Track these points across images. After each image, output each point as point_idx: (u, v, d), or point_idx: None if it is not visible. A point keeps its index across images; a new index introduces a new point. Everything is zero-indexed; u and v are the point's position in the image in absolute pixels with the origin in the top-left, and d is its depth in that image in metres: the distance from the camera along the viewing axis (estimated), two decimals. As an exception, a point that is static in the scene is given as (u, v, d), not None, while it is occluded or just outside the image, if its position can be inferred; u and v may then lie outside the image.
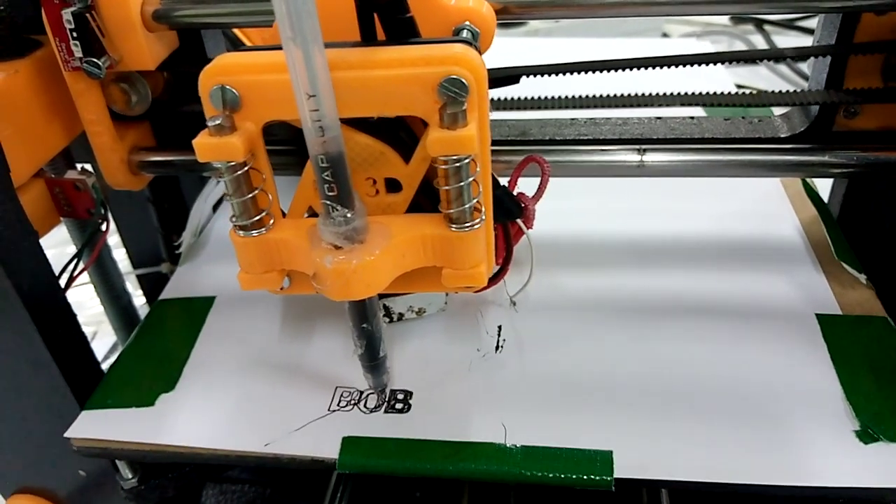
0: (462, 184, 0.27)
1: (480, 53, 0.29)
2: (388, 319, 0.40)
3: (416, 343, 0.39)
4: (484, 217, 0.29)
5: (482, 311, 0.41)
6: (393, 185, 0.30)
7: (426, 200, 0.31)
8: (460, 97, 0.26)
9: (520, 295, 0.41)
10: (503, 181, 0.35)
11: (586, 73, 0.37)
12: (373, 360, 0.34)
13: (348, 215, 0.27)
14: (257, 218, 0.29)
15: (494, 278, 0.36)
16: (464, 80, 0.26)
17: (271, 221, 0.29)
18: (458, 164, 0.26)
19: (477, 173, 0.27)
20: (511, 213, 0.34)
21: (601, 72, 0.37)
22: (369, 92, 0.27)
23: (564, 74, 0.37)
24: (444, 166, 0.26)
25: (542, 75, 0.37)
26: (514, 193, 0.35)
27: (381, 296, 0.38)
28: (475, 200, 0.28)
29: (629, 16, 0.34)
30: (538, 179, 0.36)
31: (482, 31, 0.31)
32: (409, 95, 0.26)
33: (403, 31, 0.28)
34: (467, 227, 0.28)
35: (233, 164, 0.27)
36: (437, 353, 0.38)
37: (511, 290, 0.41)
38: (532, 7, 0.34)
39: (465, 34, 0.30)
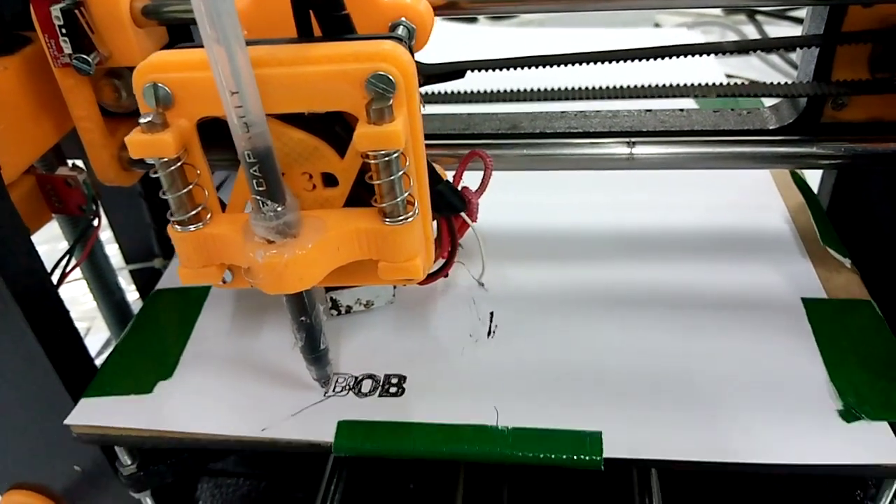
0: (393, 178, 0.27)
1: (415, 50, 0.30)
2: (335, 312, 0.40)
3: (410, 331, 0.40)
4: (418, 211, 0.29)
5: (474, 297, 0.41)
6: (330, 180, 0.30)
7: (367, 194, 0.31)
8: (388, 93, 0.26)
9: (514, 283, 0.42)
10: (450, 175, 0.35)
11: (544, 67, 0.36)
12: (314, 353, 0.34)
13: (278, 209, 0.27)
14: (193, 213, 0.29)
15: (438, 271, 0.36)
16: (391, 77, 0.26)
17: (209, 216, 0.30)
18: (387, 159, 0.27)
19: (408, 167, 0.27)
20: (454, 207, 0.35)
21: (573, 65, 0.36)
22: (298, 88, 0.27)
23: (517, 69, 0.36)
24: (374, 161, 0.27)
25: (491, 70, 0.37)
26: (459, 188, 0.35)
27: (329, 289, 0.39)
28: (407, 194, 0.28)
29: (607, 9, 0.34)
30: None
31: (418, 27, 0.31)
32: (337, 91, 0.27)
33: (339, 27, 0.28)
34: (401, 220, 0.28)
35: (165, 159, 0.27)
36: (430, 338, 0.39)
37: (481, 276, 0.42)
38: (481, 1, 0.34)
39: (400, 30, 0.31)
